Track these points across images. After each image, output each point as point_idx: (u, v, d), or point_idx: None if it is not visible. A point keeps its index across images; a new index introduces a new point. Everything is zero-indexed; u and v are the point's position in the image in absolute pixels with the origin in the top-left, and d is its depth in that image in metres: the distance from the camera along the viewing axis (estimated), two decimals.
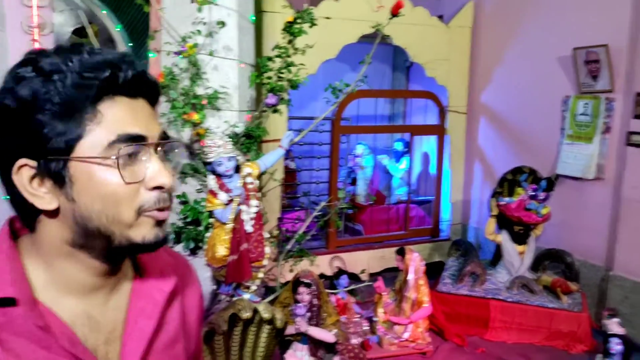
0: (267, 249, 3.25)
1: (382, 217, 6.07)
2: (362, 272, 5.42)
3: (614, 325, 3.49)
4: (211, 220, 3.23)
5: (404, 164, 6.29)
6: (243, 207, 3.12)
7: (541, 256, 4.85)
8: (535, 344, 4.36)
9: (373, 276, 5.30)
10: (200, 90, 3.38)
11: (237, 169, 3.14)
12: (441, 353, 4.20)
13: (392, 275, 4.87)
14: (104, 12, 6.77)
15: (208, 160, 3.03)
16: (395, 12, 3.51)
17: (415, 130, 5.96)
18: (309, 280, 3.47)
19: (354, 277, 5.31)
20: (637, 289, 4.39)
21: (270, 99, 3.43)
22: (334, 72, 5.18)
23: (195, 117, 3.18)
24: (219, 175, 3.07)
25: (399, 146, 6.39)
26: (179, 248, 3.57)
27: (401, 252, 4.37)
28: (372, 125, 6.19)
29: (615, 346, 3.41)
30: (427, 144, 6.37)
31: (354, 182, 6.16)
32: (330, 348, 3.56)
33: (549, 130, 5.22)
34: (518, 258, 4.73)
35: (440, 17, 5.92)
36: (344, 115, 5.44)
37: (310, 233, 4.09)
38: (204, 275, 3.49)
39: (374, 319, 4.32)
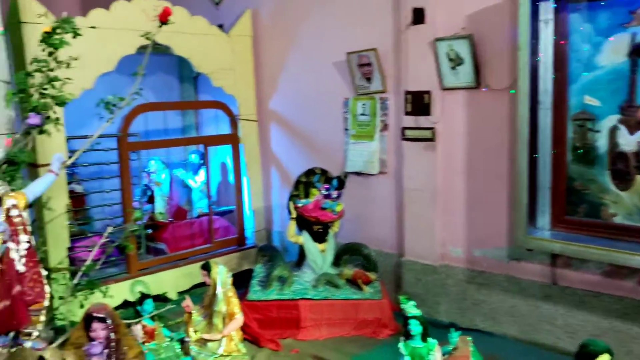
0: (48, 288, 2.86)
1: (185, 232, 5.86)
2: (164, 294, 5.15)
3: (411, 308, 3.74)
4: None
5: (201, 175, 6.15)
6: (10, 245, 2.70)
7: (341, 251, 5.06)
8: (345, 336, 4.52)
9: (182, 294, 5.07)
10: None
11: None
12: None
13: (203, 291, 4.71)
14: None
15: None
16: (163, 20, 3.37)
17: (208, 141, 5.85)
18: (103, 314, 3.15)
19: (160, 299, 5.03)
20: (426, 270, 4.81)
21: (33, 119, 3.04)
22: (115, 85, 4.82)
23: None
24: None
25: (195, 158, 6.23)
26: None
27: (206, 267, 4.24)
28: (164, 139, 5.94)
29: (415, 327, 3.65)
30: (223, 153, 6.30)
31: (151, 199, 5.84)
32: None
33: (334, 131, 5.49)
34: (320, 256, 4.88)
35: (221, 26, 5.90)
36: (131, 131, 5.13)
37: (101, 261, 3.73)
38: None
39: (186, 339, 4.13)
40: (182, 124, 6.78)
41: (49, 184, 2.94)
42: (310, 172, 5.05)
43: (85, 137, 4.10)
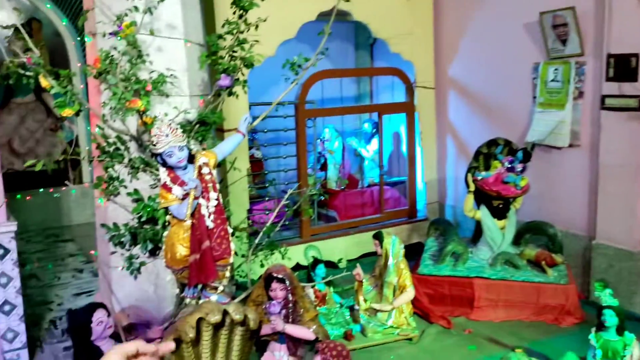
0: (233, 245, 2.97)
1: (356, 201, 5.86)
2: (339, 261, 5.19)
3: (607, 297, 3.31)
4: (168, 217, 2.95)
5: (373, 145, 6.07)
6: (202, 201, 2.82)
7: (522, 230, 4.68)
8: (524, 320, 4.22)
9: (351, 262, 5.09)
10: (143, 75, 3.07)
11: (192, 160, 2.85)
12: (427, 337, 4.03)
13: (370, 261, 4.66)
14: (49, 6, 6.36)
15: (156, 151, 2.73)
16: None
17: (383, 109, 5.73)
18: (282, 275, 3.21)
19: (331, 266, 5.09)
20: (620, 256, 4.27)
21: (224, 81, 3.14)
22: (295, 53, 4.90)
23: (139, 104, 2.88)
24: (171, 168, 2.78)
25: (368, 127, 6.17)
26: (136, 250, 3.27)
27: (379, 237, 4.17)
28: (338, 107, 5.95)
29: (610, 318, 3.23)
30: (396, 122, 6.15)
31: (324, 167, 5.92)
32: (311, 345, 3.32)
33: (520, 99, 5.06)
34: (499, 233, 4.55)
35: None
36: (308, 98, 5.19)
37: (280, 223, 3.82)
38: (165, 279, 3.21)
39: (356, 307, 4.12)
40: (356, 92, 6.75)
41: (237, 144, 3.02)
42: (492, 143, 4.70)
43: (266, 104, 4.21)
